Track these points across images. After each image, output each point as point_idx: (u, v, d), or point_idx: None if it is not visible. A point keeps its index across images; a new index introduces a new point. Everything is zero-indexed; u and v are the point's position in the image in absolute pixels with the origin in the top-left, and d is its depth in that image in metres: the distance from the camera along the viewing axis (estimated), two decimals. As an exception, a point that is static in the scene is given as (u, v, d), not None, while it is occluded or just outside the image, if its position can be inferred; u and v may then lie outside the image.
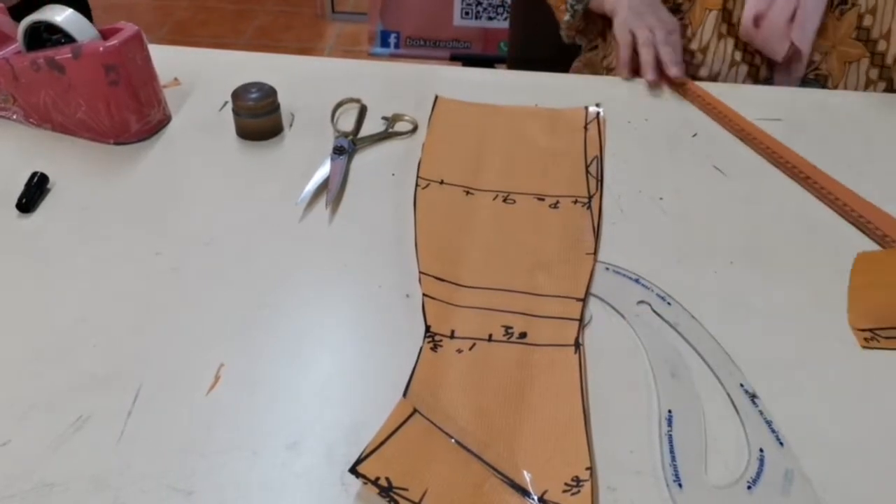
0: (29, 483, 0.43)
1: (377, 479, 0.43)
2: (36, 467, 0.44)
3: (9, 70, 0.73)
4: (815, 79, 0.88)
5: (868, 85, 0.86)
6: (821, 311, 0.57)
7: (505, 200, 0.67)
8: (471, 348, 0.52)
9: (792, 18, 0.83)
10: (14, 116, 0.78)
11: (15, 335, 0.53)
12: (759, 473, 0.45)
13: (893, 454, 0.46)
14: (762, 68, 0.89)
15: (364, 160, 0.74)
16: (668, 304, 0.56)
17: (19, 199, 0.65)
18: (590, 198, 0.67)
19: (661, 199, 0.68)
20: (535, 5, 1.08)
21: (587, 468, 0.44)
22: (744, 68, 0.89)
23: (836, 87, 0.87)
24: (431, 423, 0.46)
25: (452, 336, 0.53)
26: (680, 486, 0.44)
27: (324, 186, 0.68)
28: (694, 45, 0.90)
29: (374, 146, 0.76)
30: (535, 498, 0.43)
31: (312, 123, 0.78)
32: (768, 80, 0.90)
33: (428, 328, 0.54)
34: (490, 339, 0.53)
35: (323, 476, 0.44)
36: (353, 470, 0.43)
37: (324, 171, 0.70)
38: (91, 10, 1.47)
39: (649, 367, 0.52)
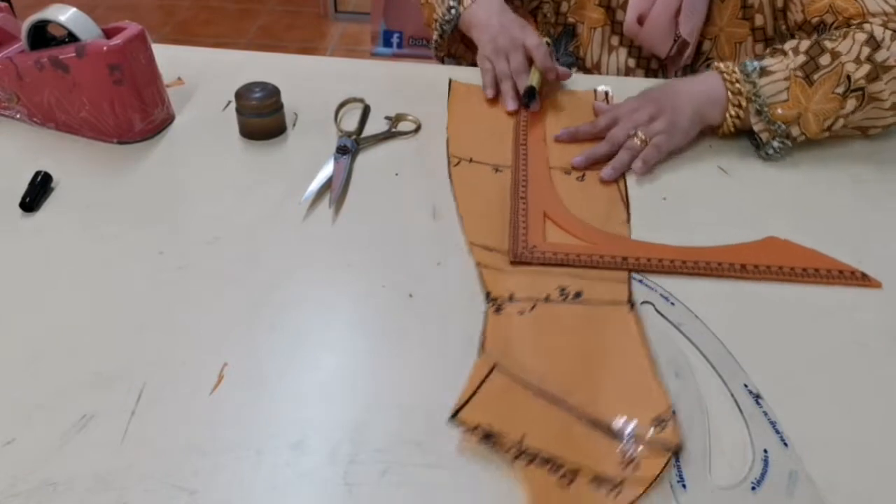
0: (33, 482, 0.43)
1: (476, 427, 0.46)
2: (40, 466, 0.44)
3: (13, 69, 0.74)
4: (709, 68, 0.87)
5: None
6: (827, 311, 0.57)
7: (515, 171, 0.70)
8: (531, 308, 0.55)
9: (677, 14, 0.83)
10: (18, 115, 0.78)
11: (19, 334, 0.54)
12: (763, 474, 0.45)
13: (898, 455, 0.46)
14: (659, 70, 0.91)
15: (367, 160, 0.73)
16: (672, 304, 0.56)
17: (23, 199, 0.65)
18: None
19: (664, 199, 0.68)
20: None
21: (669, 408, 0.47)
22: (640, 73, 0.92)
23: None
24: (512, 376, 0.49)
25: (511, 299, 0.56)
26: (684, 486, 0.44)
27: (327, 186, 0.68)
28: (588, 63, 0.94)
29: (378, 146, 0.76)
30: (627, 435, 0.45)
31: (316, 123, 0.78)
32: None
33: (488, 294, 0.57)
34: (547, 299, 0.56)
35: (326, 475, 0.44)
36: (454, 418, 0.47)
37: (327, 170, 0.70)
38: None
39: (653, 367, 0.52)
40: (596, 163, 0.72)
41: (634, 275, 0.59)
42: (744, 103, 0.71)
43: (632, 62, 0.90)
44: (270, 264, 0.60)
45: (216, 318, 0.55)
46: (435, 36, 0.93)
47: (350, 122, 0.79)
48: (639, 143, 0.71)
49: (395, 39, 2.44)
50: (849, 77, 0.68)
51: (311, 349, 0.53)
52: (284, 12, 2.93)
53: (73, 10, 0.71)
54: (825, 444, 0.47)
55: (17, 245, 0.62)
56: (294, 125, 0.78)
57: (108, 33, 0.71)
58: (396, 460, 0.45)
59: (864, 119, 0.72)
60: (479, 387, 0.49)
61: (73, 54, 0.69)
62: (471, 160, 0.72)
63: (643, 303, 0.56)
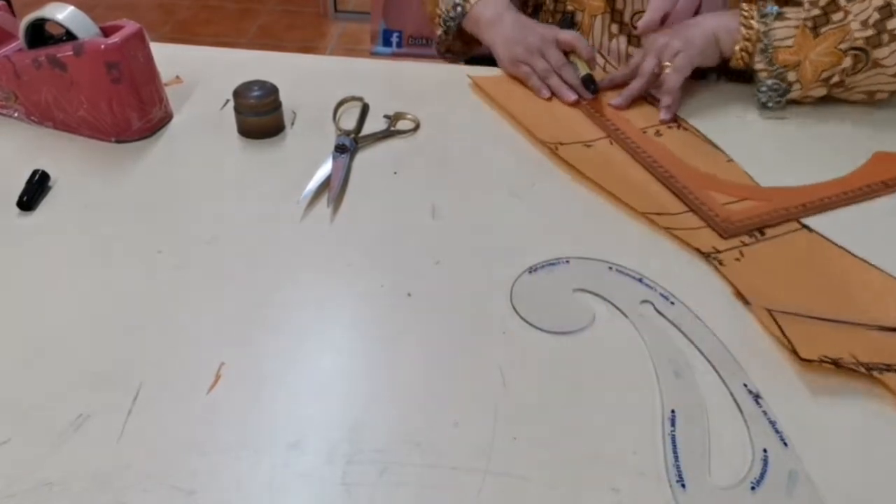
0: (29, 482, 0.43)
1: (821, 358, 0.49)
2: (36, 466, 0.44)
3: (10, 68, 0.73)
4: None
5: None
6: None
7: (616, 143, 0.75)
8: (741, 254, 0.60)
9: (696, 12, 0.84)
10: (15, 114, 0.77)
11: (15, 333, 0.53)
12: (762, 474, 0.44)
13: (898, 455, 0.46)
14: None
15: (366, 158, 0.73)
16: (672, 303, 0.56)
17: (20, 197, 0.65)
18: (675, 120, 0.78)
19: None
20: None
21: None
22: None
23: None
24: (788, 313, 0.53)
25: (717, 251, 0.60)
26: (683, 486, 0.44)
27: (325, 185, 0.68)
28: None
29: (376, 144, 0.75)
30: None
31: (314, 122, 0.78)
32: None
33: (701, 252, 0.60)
34: (743, 244, 0.61)
35: (325, 475, 0.44)
36: (802, 359, 0.49)
37: (325, 169, 0.70)
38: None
39: (652, 366, 0.51)
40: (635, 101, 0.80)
41: (633, 273, 0.59)
42: (753, 38, 0.75)
43: (632, 49, 0.90)
44: (268, 263, 0.60)
45: (214, 318, 0.55)
46: (440, 32, 0.93)
47: (349, 120, 0.78)
48: (658, 69, 0.77)
49: (394, 39, 2.43)
50: (851, 36, 0.72)
51: (310, 348, 0.53)
52: (284, 12, 2.93)
53: (71, 8, 0.70)
54: (825, 444, 0.47)
55: (15, 244, 0.62)
56: (292, 124, 0.78)
57: (106, 32, 0.71)
58: (395, 460, 0.45)
59: (869, 83, 0.76)
60: (782, 331, 0.51)
61: (71, 53, 0.69)
62: (560, 143, 0.74)
63: (642, 302, 0.56)
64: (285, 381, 0.50)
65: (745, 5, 0.77)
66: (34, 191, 0.66)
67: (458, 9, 0.88)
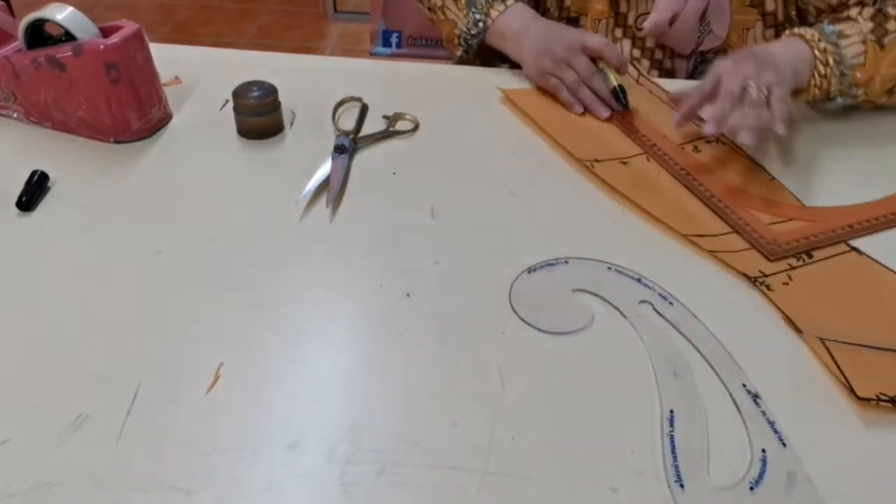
0: (28, 482, 0.43)
1: (878, 396, 0.48)
2: (35, 467, 0.44)
3: (9, 68, 0.73)
4: (715, 55, 0.87)
5: None
6: (824, 311, 0.56)
7: (653, 159, 0.72)
8: (789, 278, 0.58)
9: (703, 13, 0.83)
10: (15, 115, 0.77)
11: (14, 334, 0.53)
12: (761, 474, 0.44)
13: (897, 455, 0.46)
14: (664, 60, 0.90)
15: (365, 159, 0.73)
16: (670, 303, 0.56)
17: (19, 198, 0.65)
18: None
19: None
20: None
21: None
22: (645, 64, 0.91)
23: None
24: (840, 342, 0.52)
25: (764, 274, 0.58)
26: (682, 486, 0.44)
27: (325, 185, 0.68)
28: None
29: (375, 145, 0.75)
30: None
31: (313, 122, 0.78)
32: (670, 70, 0.90)
33: (749, 277, 0.58)
34: (791, 266, 0.59)
35: (323, 475, 0.44)
36: (860, 398, 0.48)
37: (325, 169, 0.70)
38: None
39: (651, 366, 0.51)
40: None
41: (632, 274, 0.59)
42: (831, 62, 0.71)
43: (636, 52, 0.90)
44: (267, 264, 0.60)
45: (213, 318, 0.55)
46: (459, 52, 0.90)
47: (348, 121, 0.78)
48: (755, 93, 0.66)
49: (394, 39, 2.43)
50: None
51: (309, 348, 0.53)
52: (284, 12, 2.93)
53: (71, 8, 0.70)
54: (824, 444, 0.47)
55: (14, 244, 0.62)
56: (292, 124, 0.78)
57: (106, 32, 0.71)
58: (393, 460, 0.45)
59: None
60: (837, 365, 0.50)
61: (70, 53, 0.69)
62: (596, 160, 0.71)
63: (641, 302, 0.56)
64: (284, 381, 0.50)
65: (798, 30, 0.73)
66: (33, 191, 0.66)
67: (480, 24, 0.85)
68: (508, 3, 0.85)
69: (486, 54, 0.90)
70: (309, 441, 0.46)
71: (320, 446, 0.46)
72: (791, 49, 0.72)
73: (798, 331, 0.53)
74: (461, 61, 0.92)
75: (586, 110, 0.80)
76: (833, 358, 0.50)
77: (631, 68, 0.86)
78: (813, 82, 0.72)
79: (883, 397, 0.48)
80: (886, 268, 0.59)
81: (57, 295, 0.57)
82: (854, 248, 0.61)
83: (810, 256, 0.60)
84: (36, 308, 0.56)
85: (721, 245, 0.62)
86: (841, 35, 0.72)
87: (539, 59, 0.80)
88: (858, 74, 0.71)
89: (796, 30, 0.74)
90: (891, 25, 0.72)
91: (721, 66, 0.70)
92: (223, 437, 0.46)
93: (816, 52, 0.71)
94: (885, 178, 0.70)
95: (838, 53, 0.71)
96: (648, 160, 0.72)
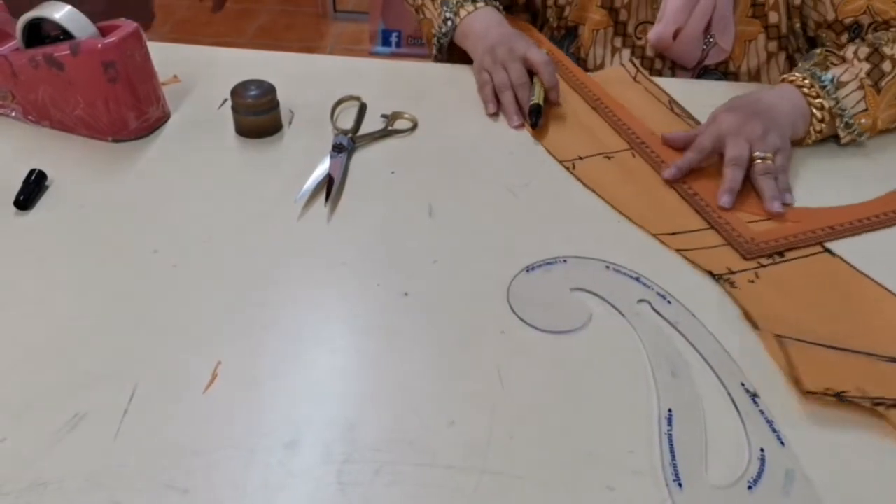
0: (23, 482, 0.43)
1: (824, 391, 0.48)
2: (30, 466, 0.44)
3: (7, 67, 0.73)
4: (716, 68, 0.87)
5: (769, 58, 0.87)
6: (823, 310, 0.56)
7: (639, 155, 0.73)
8: (756, 276, 0.58)
9: (707, 25, 0.82)
10: (13, 114, 0.77)
11: (11, 332, 0.53)
12: (759, 473, 0.44)
13: (895, 454, 0.46)
14: (664, 70, 0.90)
15: (363, 158, 0.73)
16: (669, 302, 0.56)
17: (17, 197, 0.65)
18: None
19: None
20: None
21: None
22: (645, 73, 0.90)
23: (738, 69, 0.87)
24: (797, 339, 0.52)
25: (731, 272, 0.59)
26: (680, 485, 0.44)
27: (323, 184, 0.68)
28: (591, 65, 0.92)
29: (374, 144, 0.75)
30: None
31: (312, 121, 0.78)
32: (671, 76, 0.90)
33: (713, 274, 0.59)
34: (760, 265, 0.59)
35: (320, 475, 0.44)
36: (805, 391, 0.48)
37: (323, 168, 0.69)
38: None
39: (649, 365, 0.51)
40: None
41: (630, 272, 0.59)
42: (828, 118, 0.71)
43: (636, 62, 0.90)
44: (265, 263, 0.60)
45: (210, 317, 0.55)
46: (434, 51, 0.91)
47: (346, 120, 0.78)
48: (765, 163, 0.67)
49: (393, 38, 2.44)
50: None
51: (306, 348, 0.53)
52: (283, 12, 2.93)
53: (68, 7, 0.70)
54: (822, 444, 0.46)
55: (11, 243, 0.62)
56: (290, 123, 0.78)
57: (104, 31, 0.71)
58: (390, 460, 0.45)
59: None
60: (789, 359, 0.50)
61: (68, 52, 0.69)
62: (579, 157, 0.72)
63: (639, 301, 0.56)
64: (281, 381, 0.50)
65: (795, 78, 0.72)
66: (31, 190, 0.66)
67: (449, 23, 0.86)
68: (478, 4, 0.86)
69: (459, 55, 0.90)
70: (306, 440, 0.46)
71: (317, 445, 0.46)
72: (790, 103, 0.72)
73: (756, 326, 0.54)
74: (437, 60, 0.92)
75: (499, 112, 0.79)
76: (786, 353, 0.51)
77: (629, 64, 0.87)
78: (807, 139, 0.72)
79: (829, 392, 0.48)
80: (857, 270, 0.59)
81: (53, 293, 0.57)
82: (827, 250, 0.61)
83: (781, 256, 0.60)
84: (32, 307, 0.55)
85: (691, 243, 0.62)
86: (839, 85, 0.71)
87: (483, 56, 0.82)
88: (863, 120, 0.71)
89: (791, 76, 0.73)
90: (886, 66, 0.71)
91: (725, 124, 0.69)
92: (220, 437, 0.46)
93: (814, 110, 0.71)
94: (871, 181, 0.69)
95: (838, 106, 0.70)
96: (634, 156, 0.73)
